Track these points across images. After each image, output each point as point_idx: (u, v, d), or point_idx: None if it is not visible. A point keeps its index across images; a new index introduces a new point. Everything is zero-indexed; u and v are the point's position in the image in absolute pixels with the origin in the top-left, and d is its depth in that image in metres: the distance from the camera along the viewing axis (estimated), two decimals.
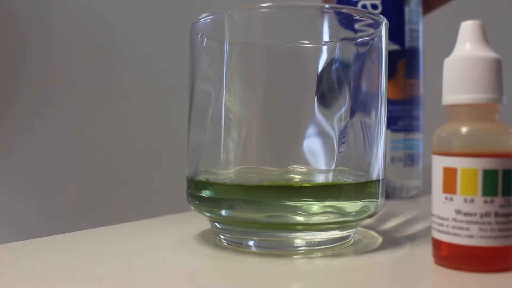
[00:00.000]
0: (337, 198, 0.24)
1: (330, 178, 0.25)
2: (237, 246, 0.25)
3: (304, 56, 0.26)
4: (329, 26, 0.25)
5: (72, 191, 0.92)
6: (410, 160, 0.43)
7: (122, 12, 0.90)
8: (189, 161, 0.27)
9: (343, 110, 0.25)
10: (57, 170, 0.93)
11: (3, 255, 0.24)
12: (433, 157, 0.22)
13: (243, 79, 0.25)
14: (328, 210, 0.24)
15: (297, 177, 0.25)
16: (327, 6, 0.25)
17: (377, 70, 0.26)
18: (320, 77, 0.25)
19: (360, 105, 0.25)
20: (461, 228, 0.21)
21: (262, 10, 0.24)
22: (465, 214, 0.21)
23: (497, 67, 0.21)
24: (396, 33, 0.43)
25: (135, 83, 0.89)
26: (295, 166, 0.25)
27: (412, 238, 0.28)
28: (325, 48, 0.25)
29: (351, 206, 0.24)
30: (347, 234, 0.25)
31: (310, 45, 0.25)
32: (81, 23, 0.92)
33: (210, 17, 0.26)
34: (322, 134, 0.25)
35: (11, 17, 0.98)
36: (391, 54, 0.42)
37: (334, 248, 0.25)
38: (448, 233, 0.21)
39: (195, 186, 0.26)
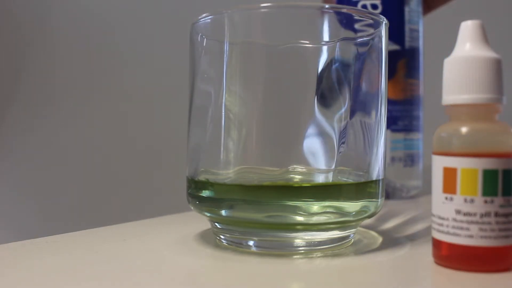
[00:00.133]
0: (337, 198, 0.24)
1: (330, 178, 0.25)
2: (237, 246, 0.25)
3: (304, 56, 0.26)
4: (329, 26, 0.25)
5: (72, 191, 0.92)
6: (410, 160, 0.43)
7: (122, 12, 0.90)
8: (189, 161, 0.27)
9: (343, 110, 0.25)
10: (57, 170, 0.93)
11: (3, 255, 0.24)
12: (433, 157, 0.22)
13: (243, 79, 0.25)
14: (328, 210, 0.24)
15: (297, 177, 0.25)
16: (327, 6, 0.25)
17: (377, 70, 0.26)
18: (320, 77, 0.25)
19: (360, 105, 0.25)
20: (461, 228, 0.21)
21: (262, 10, 0.24)
22: (465, 214, 0.21)
23: (497, 67, 0.21)
24: (396, 33, 0.43)
25: (135, 83, 0.89)
26: (295, 166, 0.25)
27: (412, 238, 0.28)
28: (325, 48, 0.25)
29: (351, 206, 0.24)
30: (347, 234, 0.25)
31: (310, 45, 0.25)
32: (81, 23, 0.92)
33: (210, 17, 0.26)
34: (322, 134, 0.25)
35: (11, 17, 0.98)
36: (391, 54, 0.42)
37: (334, 248, 0.25)
38: (448, 233, 0.21)
39: (195, 186, 0.26)
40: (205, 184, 0.26)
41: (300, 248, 0.24)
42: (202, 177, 0.26)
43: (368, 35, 0.25)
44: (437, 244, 0.22)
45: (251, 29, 0.26)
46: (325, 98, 0.25)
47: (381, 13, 0.39)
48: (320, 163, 0.25)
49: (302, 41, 0.25)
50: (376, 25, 0.26)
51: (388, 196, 0.42)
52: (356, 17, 0.25)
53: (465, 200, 0.21)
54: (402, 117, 0.43)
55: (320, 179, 0.26)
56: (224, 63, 0.25)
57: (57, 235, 0.28)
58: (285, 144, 0.25)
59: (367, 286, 0.21)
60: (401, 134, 0.43)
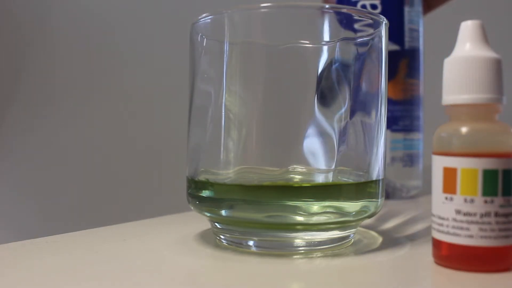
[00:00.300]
0: (337, 198, 0.24)
1: (330, 178, 0.25)
2: (237, 246, 0.25)
3: (304, 56, 0.26)
4: (329, 26, 0.25)
5: (72, 191, 0.92)
6: (410, 160, 0.43)
7: (122, 12, 0.90)
8: (189, 161, 0.27)
9: (343, 110, 0.25)
10: (57, 170, 0.93)
11: (3, 255, 0.24)
12: (433, 157, 0.22)
13: (243, 79, 0.25)
14: (328, 210, 0.24)
15: (297, 177, 0.25)
16: (327, 6, 0.25)
17: (377, 70, 0.26)
18: (320, 77, 0.25)
19: (360, 105, 0.25)
20: (461, 228, 0.21)
21: (262, 10, 0.24)
22: (465, 214, 0.21)
23: (497, 67, 0.21)
24: (396, 33, 0.43)
25: (135, 83, 0.89)
26: (295, 166, 0.25)
27: (412, 238, 0.28)
28: (325, 48, 0.25)
29: (351, 206, 0.24)
30: (347, 234, 0.25)
31: (310, 45, 0.25)
32: (81, 23, 0.92)
33: (210, 17, 0.26)
34: (322, 134, 0.25)
35: (11, 17, 0.98)
36: (391, 54, 0.42)
37: (334, 248, 0.25)
38: (448, 233, 0.21)
39: (195, 186, 0.26)
40: (205, 184, 0.26)
41: (300, 248, 0.24)
42: (202, 177, 0.26)
43: (368, 35, 0.25)
44: (437, 244, 0.22)
45: (251, 29, 0.26)
46: (325, 98, 0.25)
47: (381, 13, 0.39)
48: (320, 163, 0.25)
49: (302, 41, 0.25)
50: (376, 25, 0.26)
51: (388, 196, 0.42)
52: (356, 17, 0.25)
53: (465, 200, 0.21)
54: (402, 117, 0.43)
55: (320, 179, 0.26)
56: (224, 63, 0.25)
57: (57, 235, 0.28)
58: (285, 144, 0.25)
59: (367, 286, 0.21)
60: (401, 134, 0.43)
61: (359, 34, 0.25)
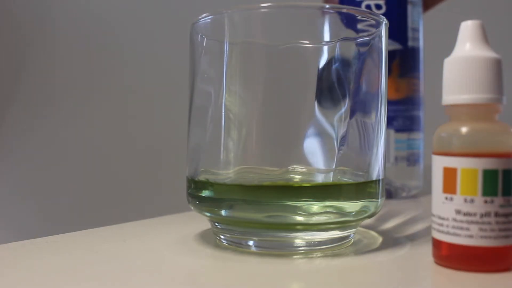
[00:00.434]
0: (337, 198, 0.24)
1: (330, 178, 0.25)
2: (237, 246, 0.25)
3: (304, 56, 0.26)
4: (329, 26, 0.25)
5: (72, 191, 0.92)
6: (412, 159, 0.44)
7: (122, 12, 0.90)
8: (189, 161, 0.27)
9: (343, 110, 0.25)
10: (57, 170, 0.93)
11: (3, 255, 0.24)
12: (433, 157, 0.22)
13: (243, 79, 0.25)
14: (328, 210, 0.24)
15: (297, 177, 0.25)
16: (327, 6, 0.25)
17: (377, 70, 0.26)
18: (320, 77, 0.25)
19: (360, 105, 0.25)
20: (461, 228, 0.21)
21: (262, 10, 0.24)
22: (465, 214, 0.21)
23: (497, 67, 0.21)
24: (400, 33, 0.43)
25: (135, 83, 0.89)
26: (295, 166, 0.25)
27: (412, 238, 0.28)
28: (325, 48, 0.25)
29: (351, 206, 0.24)
30: (347, 234, 0.25)
31: (310, 45, 0.25)
32: (81, 23, 0.92)
33: (210, 17, 0.26)
34: (322, 134, 0.25)
35: (11, 17, 0.98)
36: (394, 54, 0.43)
37: (334, 248, 0.25)
38: (448, 233, 0.21)
39: (195, 186, 0.26)
40: (205, 184, 0.26)
41: (300, 248, 0.24)
42: (202, 177, 0.26)
43: (368, 35, 0.25)
44: (437, 244, 0.22)
45: (251, 29, 0.26)
46: (325, 98, 0.25)
47: (385, 13, 0.40)
48: (320, 163, 0.25)
49: (302, 41, 0.25)
50: (376, 25, 0.26)
51: (390, 195, 0.42)
52: (356, 17, 0.25)
53: (465, 200, 0.21)
54: (405, 117, 0.43)
55: (320, 179, 0.26)
56: (224, 63, 0.25)
57: (57, 235, 0.28)
58: (285, 144, 0.25)
59: (367, 286, 0.21)
60: (404, 134, 0.43)
61: (359, 34, 0.25)
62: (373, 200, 0.25)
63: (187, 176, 0.27)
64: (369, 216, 0.25)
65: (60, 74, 0.94)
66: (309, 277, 0.21)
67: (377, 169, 0.26)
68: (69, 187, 0.92)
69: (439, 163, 0.22)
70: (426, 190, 0.38)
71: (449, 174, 0.21)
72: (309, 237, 0.24)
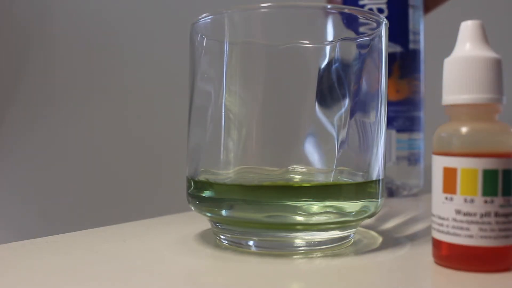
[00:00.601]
0: (337, 198, 0.24)
1: (330, 178, 0.25)
2: (237, 246, 0.25)
3: (304, 56, 0.26)
4: (329, 26, 0.25)
5: (72, 191, 0.92)
6: (413, 159, 0.44)
7: (122, 12, 0.90)
8: (189, 161, 0.27)
9: (343, 110, 0.25)
10: (57, 170, 0.93)
11: (3, 255, 0.24)
12: (433, 157, 0.22)
13: (243, 79, 0.25)
14: (328, 210, 0.24)
15: (297, 177, 0.25)
16: (327, 6, 0.25)
17: (377, 70, 0.26)
18: (320, 77, 0.25)
19: (360, 105, 0.25)
20: (461, 228, 0.21)
21: (262, 10, 0.24)
22: (465, 214, 0.21)
23: (497, 67, 0.21)
24: (401, 36, 0.44)
25: (135, 83, 0.89)
26: (295, 166, 0.25)
27: (412, 238, 0.28)
28: (325, 48, 0.25)
29: (351, 206, 0.24)
30: (347, 234, 0.25)
31: (310, 45, 0.25)
32: (81, 23, 0.92)
33: (210, 17, 0.26)
34: (322, 134, 0.25)
35: (11, 17, 0.98)
36: (395, 56, 0.43)
37: (334, 248, 0.25)
38: (448, 233, 0.21)
39: (195, 186, 0.26)
40: (205, 184, 0.26)
41: (300, 248, 0.24)
42: (202, 177, 0.26)
43: (368, 35, 0.25)
44: (437, 244, 0.22)
45: (251, 29, 0.26)
46: (325, 98, 0.25)
47: (387, 17, 0.40)
48: (320, 163, 0.25)
49: (302, 41, 0.25)
50: (376, 25, 0.26)
51: (392, 194, 0.43)
52: (356, 17, 0.25)
53: (465, 200, 0.21)
54: (406, 117, 0.44)
55: (320, 179, 0.26)
56: (224, 63, 0.25)
57: (57, 235, 0.28)
58: (285, 144, 0.25)
59: (367, 286, 0.21)
60: (405, 134, 0.44)
61: (359, 34, 0.25)
62: (373, 200, 0.25)
63: (187, 176, 0.27)
64: (369, 216, 0.25)
65: (60, 74, 0.94)
66: (309, 277, 0.21)
67: (377, 169, 0.26)
68: (69, 187, 0.92)
69: (439, 163, 0.22)
70: (426, 188, 0.38)
71: (449, 174, 0.21)
72: (309, 237, 0.24)
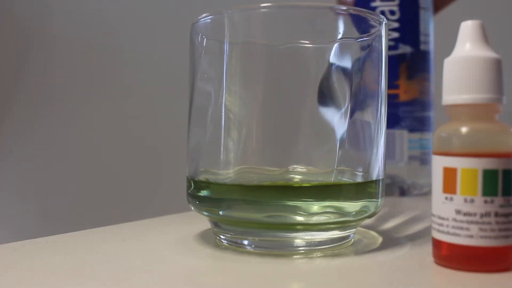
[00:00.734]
0: (337, 198, 0.24)
1: (330, 178, 0.25)
2: (237, 246, 0.25)
3: (304, 56, 0.25)
4: (329, 26, 0.25)
5: (72, 191, 0.92)
6: (424, 159, 0.45)
7: (122, 12, 0.90)
8: (189, 161, 0.27)
9: (343, 110, 0.25)
10: (57, 170, 0.93)
11: (3, 255, 0.24)
12: (433, 157, 0.22)
13: (243, 79, 0.25)
14: (328, 210, 0.24)
15: (297, 177, 0.25)
16: (327, 6, 0.25)
17: (377, 70, 0.26)
18: (323, 78, 0.25)
19: (360, 105, 0.25)
20: (461, 228, 0.21)
21: (262, 10, 0.24)
22: (465, 214, 0.21)
23: (497, 67, 0.21)
24: (412, 37, 0.45)
25: (135, 83, 0.89)
26: (295, 166, 0.25)
27: (412, 238, 0.28)
28: (325, 48, 0.25)
29: (351, 206, 0.24)
30: (347, 234, 0.25)
31: (310, 45, 0.25)
32: (82, 23, 0.92)
33: (210, 17, 0.26)
34: (322, 134, 0.25)
35: (11, 17, 0.98)
36: (407, 57, 0.44)
37: (334, 248, 0.25)
38: (448, 233, 0.21)
39: (195, 186, 0.26)
40: (205, 184, 0.26)
41: (300, 248, 0.24)
42: (202, 177, 0.26)
43: (368, 35, 0.25)
44: (437, 244, 0.22)
45: (251, 29, 0.26)
46: (325, 97, 0.25)
47: (398, 19, 0.41)
48: (320, 163, 0.25)
49: (302, 41, 0.25)
50: (376, 25, 0.26)
51: (403, 193, 0.44)
52: (356, 17, 0.25)
53: (465, 200, 0.21)
54: (418, 117, 0.45)
55: (320, 179, 0.26)
56: (224, 63, 0.25)
57: (57, 235, 0.28)
58: (285, 144, 0.25)
59: (367, 286, 0.21)
60: (417, 134, 0.45)
61: (359, 34, 0.25)
62: (373, 200, 0.25)
63: (187, 176, 0.27)
64: (369, 216, 0.25)
65: (60, 74, 0.94)
66: (309, 277, 0.21)
67: (377, 169, 0.26)
68: (69, 187, 0.92)
69: (439, 163, 0.22)
70: None
71: (449, 174, 0.21)
72: (309, 237, 0.24)
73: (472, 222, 0.21)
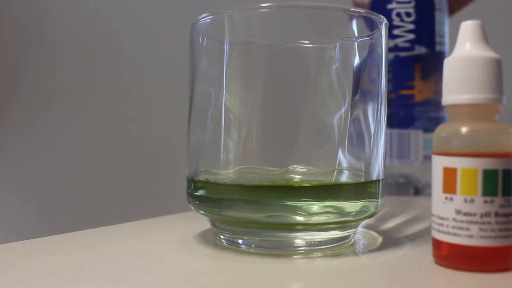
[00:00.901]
0: (337, 198, 0.24)
1: (330, 178, 0.25)
2: (237, 246, 0.25)
3: (304, 56, 0.26)
4: (330, 26, 0.25)
5: (72, 191, 0.92)
6: None
7: (122, 12, 0.90)
8: (189, 161, 0.27)
9: (343, 110, 0.25)
10: (57, 170, 0.93)
11: (3, 255, 0.24)
12: (433, 157, 0.22)
13: (243, 79, 0.25)
14: (328, 210, 0.24)
15: (297, 177, 0.25)
16: (326, 5, 0.25)
17: (377, 70, 0.26)
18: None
19: (360, 105, 0.25)
20: (461, 228, 0.21)
21: (262, 10, 0.24)
22: (465, 214, 0.21)
23: (497, 67, 0.21)
24: (428, 39, 0.45)
25: (135, 83, 0.89)
26: (295, 166, 0.25)
27: (412, 238, 0.28)
28: (325, 48, 0.25)
29: (351, 206, 0.24)
30: (347, 234, 0.25)
31: (310, 45, 0.25)
32: (82, 23, 0.92)
33: (210, 17, 0.26)
34: (322, 134, 0.25)
35: (11, 17, 0.98)
36: (423, 58, 0.44)
37: (334, 248, 0.25)
38: (448, 233, 0.21)
39: (195, 186, 0.26)
40: (205, 184, 0.26)
41: (300, 248, 0.24)
42: (202, 177, 0.26)
43: (368, 35, 0.25)
44: (437, 244, 0.22)
45: (251, 29, 0.26)
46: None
47: (415, 20, 0.42)
48: (320, 163, 0.25)
49: (302, 41, 0.25)
50: (376, 25, 0.26)
51: (418, 192, 0.45)
52: (356, 17, 0.25)
53: (465, 200, 0.21)
54: (433, 117, 0.45)
55: (320, 179, 0.26)
56: (224, 63, 0.25)
57: (57, 235, 0.28)
58: (285, 144, 0.25)
59: (367, 286, 0.21)
60: (432, 134, 0.45)
61: (359, 34, 0.25)
62: (373, 200, 0.25)
63: (187, 176, 0.27)
64: (369, 216, 0.25)
65: (60, 74, 0.94)
66: (309, 277, 0.21)
67: (377, 169, 0.26)
68: (69, 187, 0.92)
69: (439, 163, 0.22)
70: None
71: (449, 174, 0.21)
72: (309, 237, 0.24)
73: (472, 222, 0.21)
